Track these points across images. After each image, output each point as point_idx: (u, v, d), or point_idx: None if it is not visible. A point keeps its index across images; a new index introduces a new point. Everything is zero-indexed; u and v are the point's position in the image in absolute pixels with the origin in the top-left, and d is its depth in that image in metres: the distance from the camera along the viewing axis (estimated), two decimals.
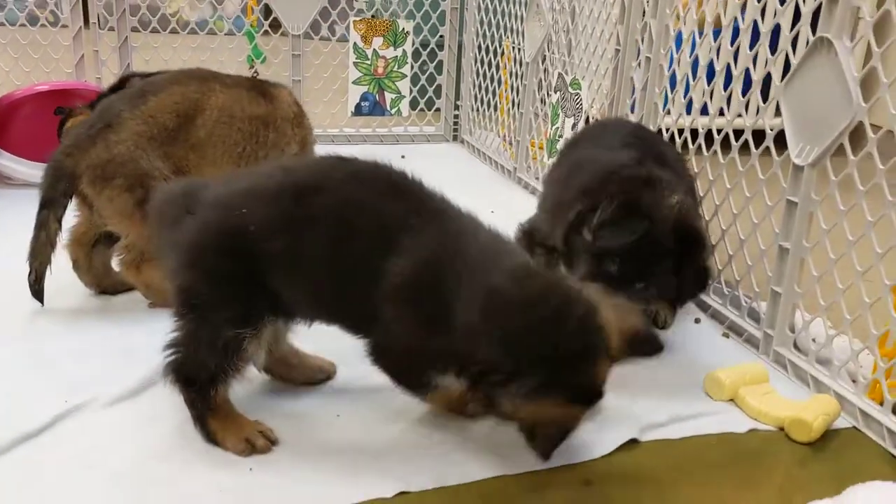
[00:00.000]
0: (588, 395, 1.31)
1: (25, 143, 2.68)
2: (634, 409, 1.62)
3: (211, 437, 1.42)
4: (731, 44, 2.02)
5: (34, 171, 2.35)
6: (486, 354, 1.26)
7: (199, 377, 1.39)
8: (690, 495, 1.39)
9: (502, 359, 1.26)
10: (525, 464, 1.43)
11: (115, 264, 1.92)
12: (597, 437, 1.51)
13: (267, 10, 3.30)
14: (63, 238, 1.87)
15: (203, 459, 1.40)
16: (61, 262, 1.93)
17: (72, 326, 1.85)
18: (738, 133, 1.97)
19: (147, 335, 1.80)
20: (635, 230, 1.60)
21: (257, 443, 1.40)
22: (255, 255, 1.33)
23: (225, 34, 3.44)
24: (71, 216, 1.90)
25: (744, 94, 1.99)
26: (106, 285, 1.97)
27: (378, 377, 1.47)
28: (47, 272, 1.83)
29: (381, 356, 1.40)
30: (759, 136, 1.91)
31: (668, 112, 2.23)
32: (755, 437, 1.57)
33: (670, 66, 2.20)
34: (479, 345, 1.26)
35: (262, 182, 1.39)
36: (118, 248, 1.86)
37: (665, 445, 1.52)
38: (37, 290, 1.83)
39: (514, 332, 1.25)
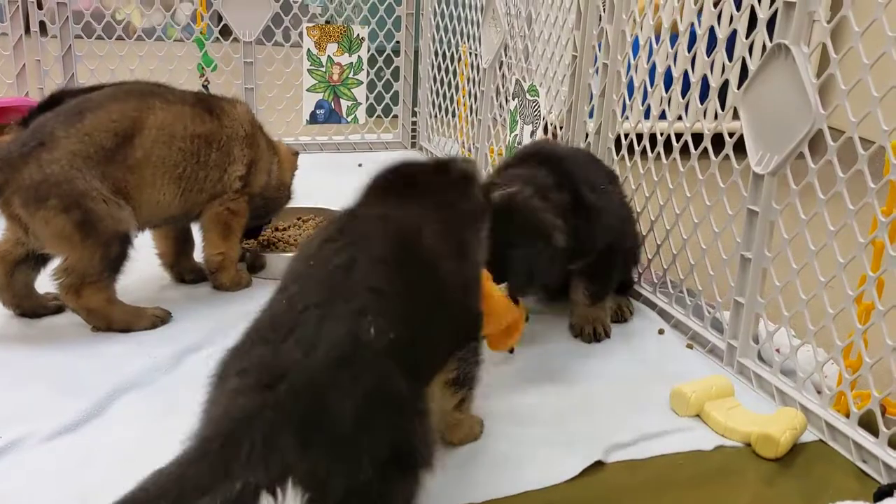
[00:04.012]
0: None
1: None
2: (599, 428, 1.57)
3: None
4: (689, 50, 1.99)
5: None
6: None
7: None
8: None
9: None
10: (488, 490, 1.38)
11: (50, 286, 1.82)
12: (561, 460, 1.46)
13: (217, 17, 3.21)
14: None
15: None
16: None
17: (4, 352, 1.75)
18: (697, 140, 1.94)
19: (90, 360, 1.73)
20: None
21: None
22: None
23: (174, 41, 3.33)
24: None
25: (701, 100, 1.97)
26: (27, 307, 1.87)
27: None
28: None
29: None
30: (718, 142, 1.88)
31: (626, 118, 2.20)
32: (722, 454, 1.54)
33: (628, 72, 2.17)
34: None
35: None
36: (55, 272, 1.76)
37: (631, 466, 1.48)
38: None
39: None
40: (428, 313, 1.22)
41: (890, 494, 1.31)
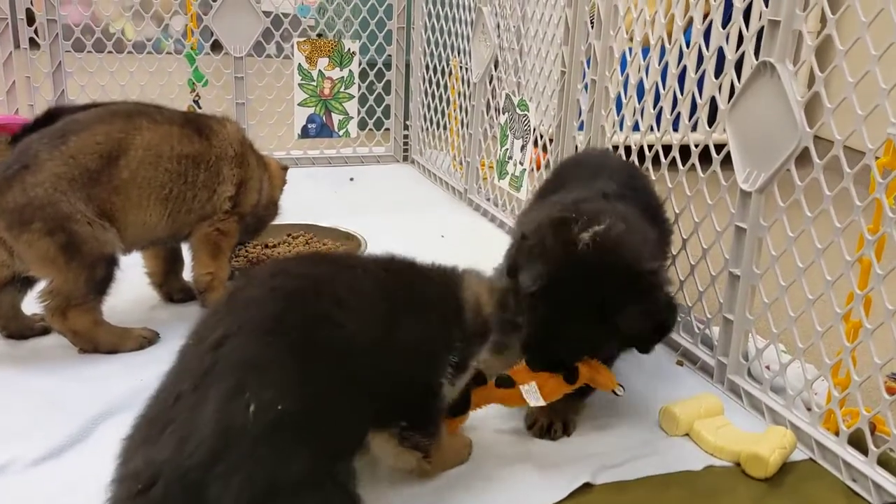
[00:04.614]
0: None
1: None
2: (588, 448, 1.57)
3: None
4: (677, 64, 1.99)
5: None
6: None
7: None
8: None
9: None
10: None
11: (36, 308, 1.81)
12: (549, 481, 1.45)
13: (208, 31, 3.21)
14: None
15: None
16: None
17: None
18: (685, 155, 1.94)
19: (76, 383, 1.72)
20: (535, 278, 1.46)
21: None
22: None
23: (165, 54, 3.33)
24: None
25: (690, 115, 1.97)
26: (13, 328, 1.87)
27: None
28: None
29: None
30: (706, 156, 1.88)
31: (616, 132, 2.20)
32: (711, 474, 1.53)
33: (625, 89, 2.17)
34: None
35: None
36: (41, 294, 1.75)
37: (620, 488, 1.47)
38: None
39: None
40: (336, 377, 1.14)
41: None
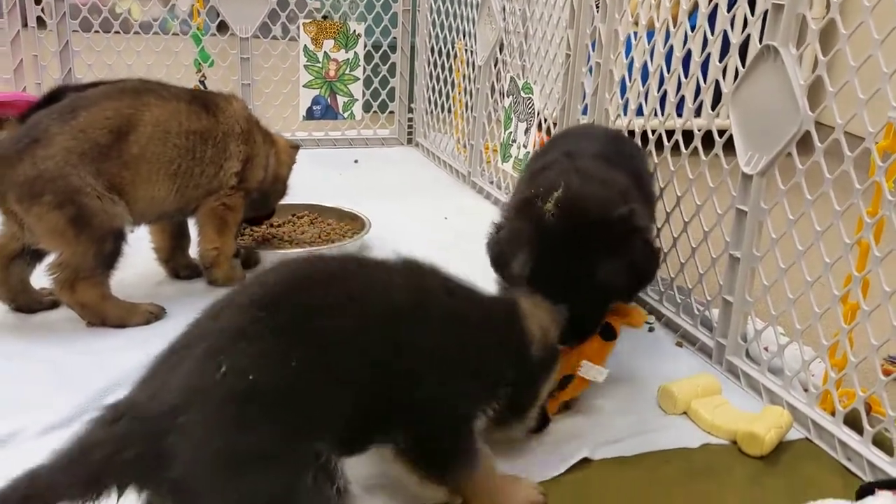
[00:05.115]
0: None
1: None
2: (588, 425, 1.59)
3: None
4: (682, 48, 2.00)
5: None
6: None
7: None
8: None
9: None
10: None
11: (45, 282, 1.84)
12: (548, 456, 1.48)
13: (214, 12, 3.22)
14: None
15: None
16: None
17: None
18: (688, 139, 1.95)
19: (84, 356, 1.75)
20: (522, 265, 1.49)
21: None
22: None
23: (172, 34, 3.34)
24: None
25: (694, 98, 1.98)
26: (22, 302, 1.89)
27: None
28: None
29: None
30: (708, 141, 1.89)
31: (619, 116, 2.21)
32: (708, 451, 1.55)
33: (630, 71, 2.18)
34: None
35: None
36: (50, 267, 1.77)
37: (618, 463, 1.49)
38: None
39: None
40: (324, 366, 1.12)
41: (872, 492, 1.32)
